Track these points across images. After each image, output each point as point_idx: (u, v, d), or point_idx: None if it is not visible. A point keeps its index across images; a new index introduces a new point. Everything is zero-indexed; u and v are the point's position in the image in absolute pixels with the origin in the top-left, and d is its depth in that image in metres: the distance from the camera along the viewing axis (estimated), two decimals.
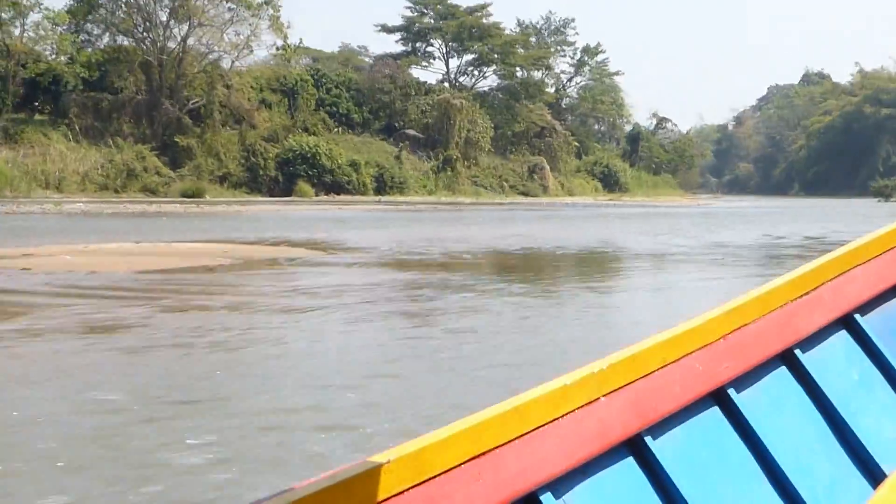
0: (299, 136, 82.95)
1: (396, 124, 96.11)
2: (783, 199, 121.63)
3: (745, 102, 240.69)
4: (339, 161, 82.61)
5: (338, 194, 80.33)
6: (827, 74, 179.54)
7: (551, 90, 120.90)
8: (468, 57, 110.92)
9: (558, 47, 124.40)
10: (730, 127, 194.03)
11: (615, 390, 2.73)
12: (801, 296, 3.57)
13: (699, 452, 2.93)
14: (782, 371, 3.42)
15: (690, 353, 3.02)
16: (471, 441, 2.30)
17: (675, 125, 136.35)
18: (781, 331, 3.40)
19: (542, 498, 2.43)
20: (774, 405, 3.28)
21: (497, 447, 2.37)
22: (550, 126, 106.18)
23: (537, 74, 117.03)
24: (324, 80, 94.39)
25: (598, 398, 2.67)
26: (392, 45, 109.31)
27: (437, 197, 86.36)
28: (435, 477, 2.22)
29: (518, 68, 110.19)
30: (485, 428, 2.34)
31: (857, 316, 3.80)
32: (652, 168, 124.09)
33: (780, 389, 3.36)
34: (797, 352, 3.46)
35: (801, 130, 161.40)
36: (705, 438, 2.99)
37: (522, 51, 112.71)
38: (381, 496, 2.10)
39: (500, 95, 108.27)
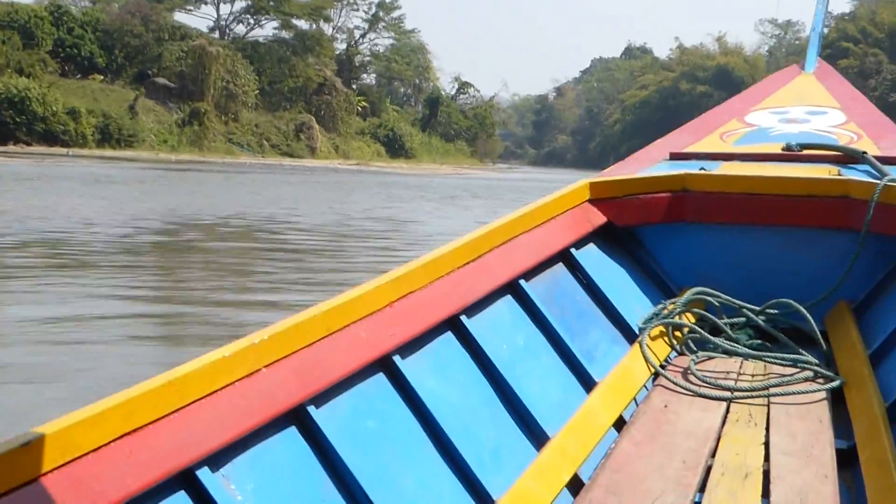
0: (8, 77, 71.20)
1: (150, 72, 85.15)
2: (586, 172, 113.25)
3: (569, 74, 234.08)
4: (55, 108, 71.30)
5: (51, 145, 69.14)
6: (649, 49, 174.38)
7: (342, 45, 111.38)
8: (242, 3, 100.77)
9: (350, 1, 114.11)
10: (550, 98, 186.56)
11: (277, 360, 2.62)
12: (468, 263, 3.64)
13: (365, 421, 2.86)
14: (448, 337, 3.41)
15: (356, 321, 2.95)
16: (122, 417, 2.13)
17: (478, 91, 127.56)
18: (448, 297, 3.41)
19: (198, 473, 2.27)
20: (440, 371, 3.26)
21: (150, 423, 2.20)
22: (330, 83, 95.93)
23: (326, 27, 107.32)
24: (65, 19, 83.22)
25: (260, 369, 2.56)
26: None
27: (178, 154, 75.56)
28: (82, 456, 2.03)
29: (295, 18, 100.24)
30: (137, 404, 2.17)
31: (521, 282, 3.95)
32: (451, 134, 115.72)
33: (446, 355, 3.35)
34: (463, 318, 3.47)
35: (618, 104, 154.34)
36: (371, 407, 2.92)
37: None
38: (21, 479, 1.90)
39: (276, 47, 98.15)
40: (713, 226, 5.07)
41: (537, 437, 3.37)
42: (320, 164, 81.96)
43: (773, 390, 3.84)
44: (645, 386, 4.05)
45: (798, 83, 7.42)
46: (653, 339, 4.36)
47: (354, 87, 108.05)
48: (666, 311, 4.58)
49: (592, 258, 4.74)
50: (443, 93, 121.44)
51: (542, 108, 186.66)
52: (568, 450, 3.31)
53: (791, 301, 4.63)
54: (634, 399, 3.93)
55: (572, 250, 4.59)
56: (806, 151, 5.70)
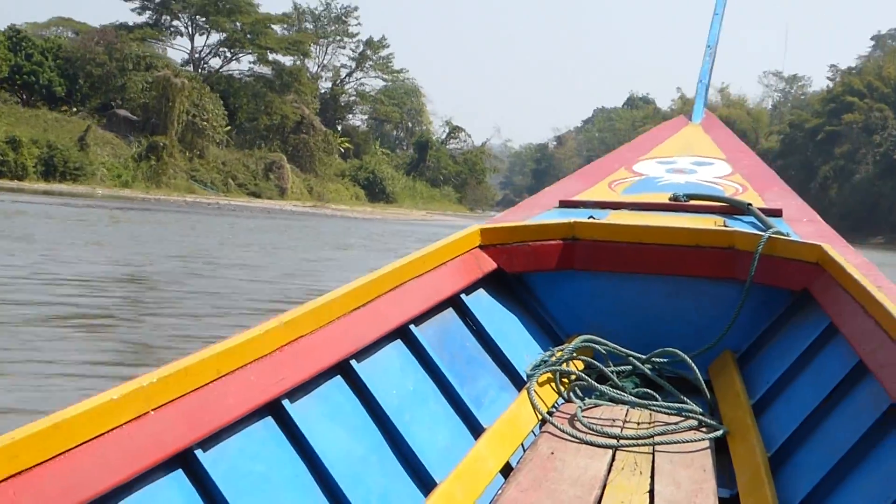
0: None
1: (114, 103, 79.37)
2: None
3: (571, 124, 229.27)
4: None
5: None
6: (651, 99, 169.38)
7: (327, 84, 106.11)
8: (218, 35, 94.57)
9: (337, 38, 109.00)
10: (550, 146, 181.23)
11: (166, 403, 2.58)
12: (358, 307, 3.65)
13: (253, 465, 2.83)
14: (338, 381, 3.43)
15: (246, 364, 2.93)
16: (6, 460, 2.08)
17: (469, 136, 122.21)
18: (338, 342, 3.42)
19: None
20: (329, 416, 3.27)
21: (35, 465, 2.15)
22: (308, 121, 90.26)
23: (310, 64, 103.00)
24: (24, 45, 77.50)
25: (148, 412, 2.52)
26: (129, 14, 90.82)
27: (132, 190, 69.65)
28: None
29: (272, 53, 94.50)
30: (21, 446, 2.12)
31: (411, 327, 3.97)
32: (439, 180, 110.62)
33: (335, 400, 3.36)
34: (353, 362, 3.49)
35: None
36: (259, 451, 2.90)
37: (279, 32, 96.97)
38: None
39: (252, 83, 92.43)
40: (602, 274, 5.11)
41: (425, 484, 3.36)
42: (283, 204, 76.13)
43: (658, 438, 3.83)
44: (532, 432, 4.03)
45: (685, 133, 7.53)
46: (540, 385, 4.36)
47: (339, 127, 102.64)
48: (554, 359, 4.59)
49: (482, 304, 4.75)
50: (433, 137, 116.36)
51: (541, 156, 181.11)
52: (455, 496, 3.31)
53: (677, 350, 4.61)
54: (522, 445, 3.94)
55: (462, 296, 4.58)
56: (692, 202, 5.75)
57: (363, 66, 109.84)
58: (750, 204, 5.51)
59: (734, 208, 5.60)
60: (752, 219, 5.36)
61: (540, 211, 5.68)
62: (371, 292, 3.78)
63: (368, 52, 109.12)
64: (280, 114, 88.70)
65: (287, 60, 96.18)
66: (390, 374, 3.71)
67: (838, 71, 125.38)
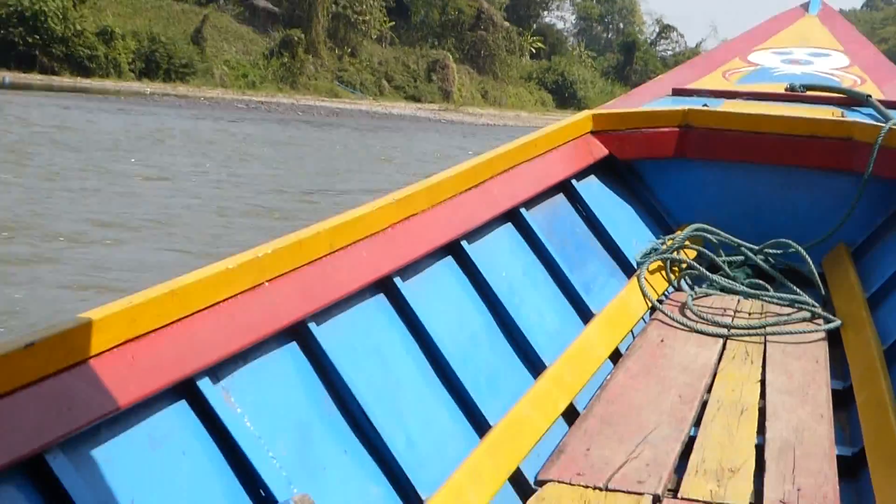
0: None
1: None
2: None
3: None
4: (79, 27, 53.23)
5: (82, 76, 51.91)
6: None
7: None
8: None
9: None
10: None
11: (280, 276, 2.57)
12: (470, 188, 3.56)
13: (363, 340, 2.81)
14: (449, 261, 3.36)
15: (358, 240, 2.90)
16: (125, 324, 2.08)
17: (682, 35, 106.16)
18: (449, 222, 3.35)
19: (199, 383, 2.23)
20: (440, 295, 3.21)
21: (153, 331, 2.16)
22: (487, 16, 76.10)
23: None
24: None
25: (262, 283, 2.50)
26: None
27: (258, 92, 57.13)
28: (85, 361, 2.00)
29: None
30: (140, 311, 2.12)
31: (522, 210, 3.88)
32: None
33: (446, 280, 3.31)
34: (464, 243, 3.41)
35: None
36: (370, 326, 2.87)
37: None
38: (22, 380, 1.86)
39: None
40: (714, 163, 4.98)
41: (534, 366, 3.33)
42: (447, 110, 62.57)
43: (770, 329, 3.80)
44: (643, 319, 4.00)
45: (801, 25, 7.17)
46: (651, 273, 4.32)
47: (534, 25, 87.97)
48: (664, 247, 4.57)
49: (593, 190, 4.67)
50: (640, 37, 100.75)
51: None
52: (564, 379, 3.27)
53: (790, 241, 4.56)
54: (631, 332, 3.88)
55: (573, 181, 4.50)
56: (809, 92, 5.53)
57: None
58: (869, 95, 5.27)
59: (852, 99, 5.36)
60: (871, 111, 5.14)
61: (652, 98, 5.49)
62: (482, 174, 3.66)
63: None
64: (455, 7, 74.72)
65: None
66: (500, 256, 3.60)
67: None
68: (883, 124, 4.60)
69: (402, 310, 2.99)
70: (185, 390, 2.20)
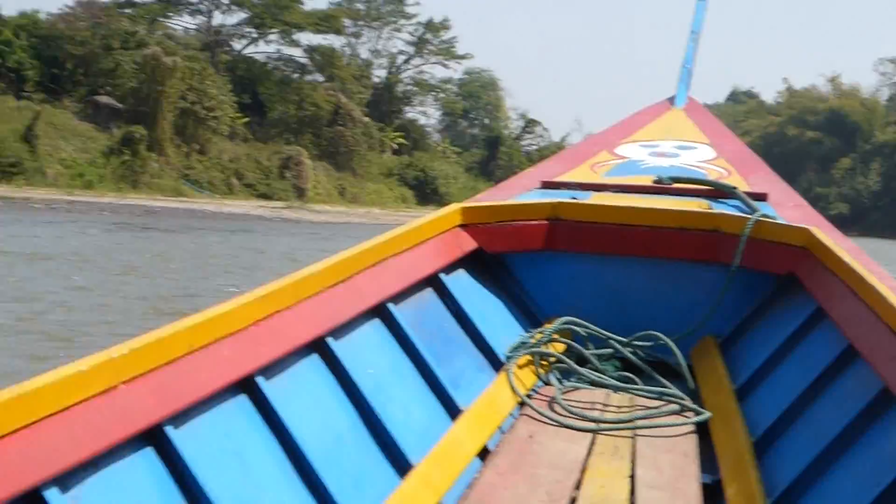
0: None
1: (102, 89, 63.09)
2: None
3: None
4: None
5: None
6: (756, 93, 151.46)
7: (381, 71, 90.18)
8: (241, 14, 77.97)
9: (392, 20, 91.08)
10: None
11: (136, 377, 2.47)
12: (336, 283, 3.51)
13: (224, 443, 2.69)
14: (314, 359, 3.29)
15: (219, 339, 2.79)
16: None
17: (546, 129, 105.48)
18: (314, 318, 3.27)
19: (45, 493, 2.10)
20: (304, 394, 3.14)
21: None
22: (345, 112, 73.74)
23: (362, 50, 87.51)
24: None
25: (117, 385, 2.39)
26: None
27: (93, 192, 53.54)
28: None
29: (298, 31, 77.86)
30: None
31: (390, 305, 3.83)
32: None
33: (311, 378, 3.22)
34: (330, 340, 3.34)
35: None
36: (231, 429, 2.75)
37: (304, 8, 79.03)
38: None
39: (282, 67, 76.13)
40: (583, 255, 5.01)
41: (401, 465, 3.22)
42: (293, 209, 59.56)
43: (639, 423, 3.77)
44: (511, 415, 3.94)
45: (668, 118, 7.27)
46: (520, 367, 4.27)
47: (396, 120, 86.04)
48: (533, 340, 4.51)
49: (461, 284, 4.62)
50: (504, 132, 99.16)
51: None
52: (432, 479, 3.18)
53: (658, 334, 4.55)
54: (500, 428, 3.81)
55: (441, 275, 4.46)
56: (677, 185, 5.60)
57: (423, 52, 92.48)
58: (735, 187, 5.39)
59: (719, 192, 5.46)
60: (737, 202, 5.23)
61: (521, 191, 5.52)
62: (349, 269, 3.62)
63: (428, 35, 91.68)
64: (312, 102, 72.34)
65: (320, 40, 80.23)
66: (367, 352, 3.54)
67: None
68: (749, 216, 4.71)
69: (264, 411, 2.85)
70: (31, 502, 2.06)
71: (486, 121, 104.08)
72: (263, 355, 2.92)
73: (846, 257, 3.92)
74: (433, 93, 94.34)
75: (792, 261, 4.47)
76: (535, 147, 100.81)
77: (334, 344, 3.35)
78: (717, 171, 5.93)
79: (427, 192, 78.76)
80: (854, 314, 3.56)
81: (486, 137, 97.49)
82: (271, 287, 3.11)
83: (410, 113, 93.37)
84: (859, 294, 3.60)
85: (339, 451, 3.05)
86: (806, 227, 4.51)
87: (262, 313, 2.99)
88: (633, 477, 3.24)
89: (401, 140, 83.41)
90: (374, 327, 3.75)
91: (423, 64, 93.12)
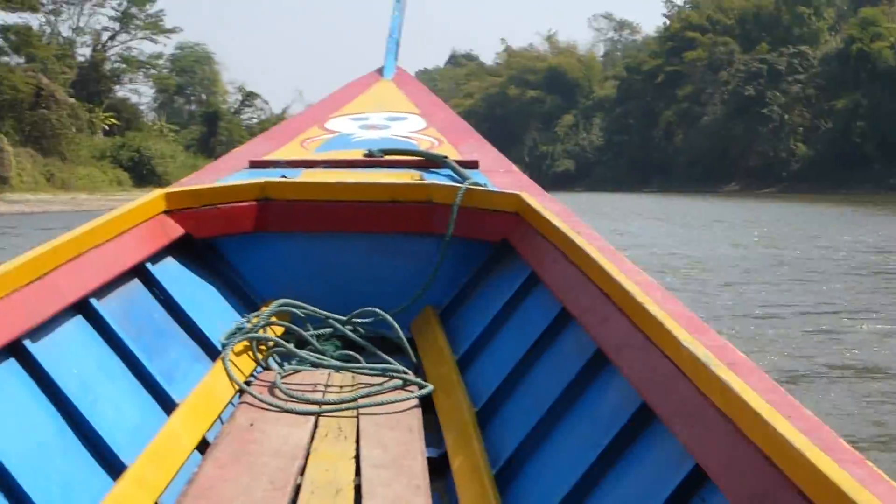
0: None
1: None
2: None
3: None
4: None
5: None
6: (476, 56, 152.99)
7: (86, 49, 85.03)
8: None
9: None
10: None
11: None
12: (32, 281, 3.27)
13: None
14: (10, 364, 3.05)
15: None
16: None
17: (267, 102, 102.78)
18: (9, 321, 3.04)
19: None
20: (2, 404, 2.90)
21: None
22: (48, 93, 68.51)
23: (63, 28, 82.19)
24: None
25: None
26: None
27: None
28: None
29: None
30: None
31: (93, 301, 3.64)
32: None
33: (7, 385, 2.98)
34: (27, 342, 3.10)
35: None
36: None
37: None
38: None
39: None
40: (297, 235, 4.92)
41: (113, 467, 3.04)
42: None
43: (361, 401, 3.75)
44: (231, 403, 3.81)
45: (377, 89, 7.23)
46: (237, 354, 4.11)
47: (106, 100, 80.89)
48: (250, 325, 4.34)
49: (170, 273, 4.40)
50: (222, 107, 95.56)
51: None
52: (147, 478, 3.02)
53: (377, 309, 4.50)
54: (219, 418, 3.69)
55: (148, 265, 4.23)
56: (388, 157, 5.57)
57: (129, 27, 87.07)
58: (446, 157, 5.36)
59: (430, 162, 5.42)
60: (448, 172, 5.22)
61: (229, 173, 5.33)
62: (46, 264, 3.37)
63: (133, 9, 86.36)
64: (10, 85, 66.92)
65: (16, 19, 73.93)
66: (70, 352, 3.33)
67: (674, 6, 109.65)
68: (460, 185, 4.71)
69: None
70: None
71: (204, 96, 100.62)
72: None
73: (555, 221, 3.98)
74: (143, 69, 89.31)
75: (504, 227, 4.56)
76: (255, 120, 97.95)
77: (32, 346, 3.09)
78: (428, 141, 5.93)
79: (144, 173, 73.97)
80: (565, 278, 3.64)
81: (204, 113, 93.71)
82: None
83: (121, 92, 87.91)
84: (569, 257, 3.67)
85: (44, 460, 2.81)
86: (516, 192, 4.61)
87: None
88: (357, 457, 3.20)
89: (112, 120, 78.34)
90: (77, 325, 3.49)
91: (131, 40, 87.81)
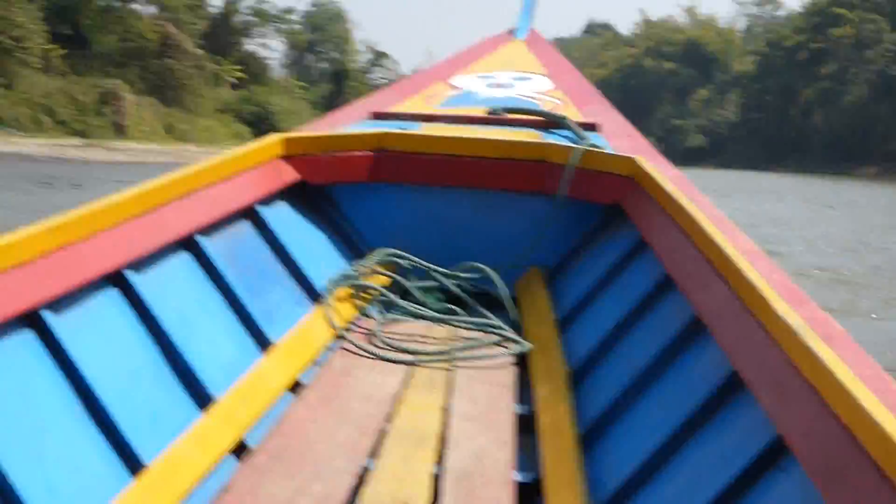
0: None
1: None
2: None
3: None
4: None
5: None
6: (612, 25, 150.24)
7: (218, 0, 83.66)
8: None
9: None
10: None
11: None
12: (140, 215, 3.32)
13: (3, 383, 2.54)
14: (112, 293, 3.11)
15: (2, 270, 2.65)
16: None
17: (397, 62, 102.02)
18: (114, 251, 3.10)
19: None
20: (99, 330, 2.96)
21: None
22: (175, 43, 68.27)
23: None
24: None
25: None
26: None
27: None
28: None
29: None
30: None
31: (199, 238, 3.69)
32: None
33: (107, 313, 3.04)
34: (130, 273, 3.16)
35: None
36: (13, 368, 2.60)
37: None
38: None
39: None
40: (409, 186, 4.93)
41: (201, 400, 3.09)
42: (114, 149, 53.94)
43: (457, 354, 3.77)
44: (328, 348, 3.86)
45: (508, 49, 7.25)
46: (339, 300, 4.19)
47: (235, 53, 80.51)
48: (355, 273, 4.43)
49: (281, 217, 4.46)
50: (351, 66, 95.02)
51: None
52: (235, 413, 3.09)
53: (482, 265, 4.53)
54: (315, 362, 3.74)
55: (259, 207, 4.28)
56: (509, 116, 5.56)
57: None
58: (565, 117, 5.35)
59: (550, 122, 5.41)
60: (568, 132, 5.21)
61: (350, 122, 5.41)
62: (154, 199, 3.42)
63: None
64: (137, 33, 66.74)
65: None
66: (173, 286, 3.39)
67: None
68: (576, 145, 4.67)
69: (52, 347, 2.69)
70: None
71: (334, 55, 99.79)
72: (51, 288, 2.74)
73: (668, 186, 3.91)
74: (274, 24, 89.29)
75: (618, 191, 4.46)
76: (384, 80, 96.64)
77: (136, 277, 3.16)
78: (552, 102, 5.88)
79: (265, 129, 72.58)
80: (672, 243, 3.59)
81: (333, 72, 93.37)
82: (63, 217, 2.90)
83: (251, 45, 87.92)
84: (678, 223, 3.61)
85: (134, 387, 2.87)
86: (632, 156, 4.49)
87: (52, 244, 2.80)
88: (446, 409, 3.21)
89: (239, 74, 77.81)
90: (182, 260, 3.56)
91: None
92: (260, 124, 73.23)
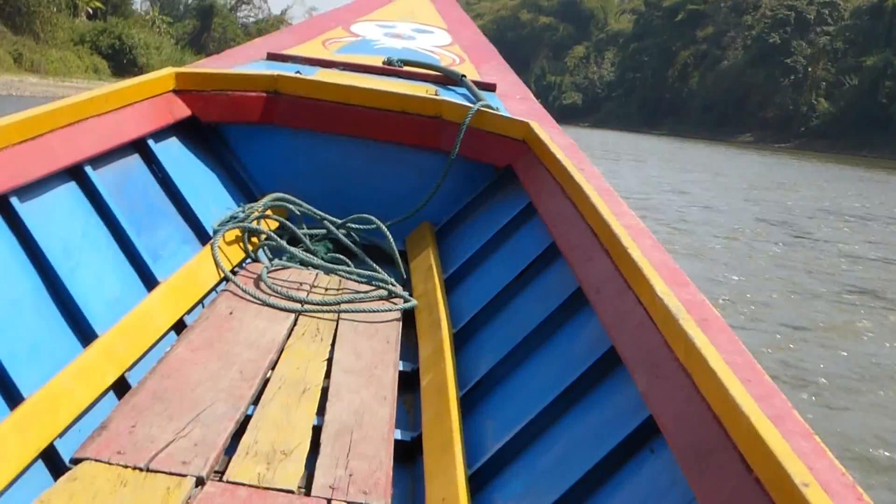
0: None
1: None
2: None
3: None
4: None
5: None
6: None
7: None
8: None
9: None
10: None
11: None
12: (24, 141, 3.22)
13: None
14: None
15: None
16: None
17: (265, 1, 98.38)
18: None
19: None
20: None
21: None
22: None
23: None
24: None
25: None
26: None
27: None
28: None
29: None
30: None
31: (87, 168, 3.59)
32: None
33: None
34: (13, 200, 3.08)
35: None
36: None
37: None
38: None
39: None
40: (303, 132, 4.85)
41: (84, 334, 3.03)
42: None
43: (344, 306, 3.72)
44: (214, 290, 3.82)
45: (410, 0, 7.28)
46: (227, 242, 4.11)
47: None
48: (244, 215, 4.30)
49: (172, 152, 4.35)
50: (219, 2, 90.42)
51: None
52: (116, 350, 3.03)
53: (374, 218, 4.44)
54: (201, 303, 3.72)
55: (150, 141, 4.16)
56: (406, 68, 5.58)
57: None
58: (464, 76, 5.35)
59: (448, 78, 5.43)
60: (465, 91, 5.20)
61: (245, 61, 5.31)
62: (40, 126, 3.32)
63: None
64: None
65: None
66: (58, 216, 3.31)
67: None
68: (472, 105, 4.64)
69: None
70: None
71: None
72: None
73: (559, 154, 3.92)
74: None
75: (510, 154, 4.47)
76: (252, 19, 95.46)
77: (19, 205, 3.06)
78: (450, 58, 5.98)
79: (125, 63, 69.25)
80: (559, 212, 3.60)
81: (198, 7, 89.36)
82: None
83: None
84: (566, 192, 3.61)
85: (14, 318, 2.80)
86: (526, 120, 4.50)
87: None
88: (330, 360, 3.21)
89: (97, 4, 73.88)
90: (69, 190, 3.45)
91: None
92: (118, 57, 69.70)
